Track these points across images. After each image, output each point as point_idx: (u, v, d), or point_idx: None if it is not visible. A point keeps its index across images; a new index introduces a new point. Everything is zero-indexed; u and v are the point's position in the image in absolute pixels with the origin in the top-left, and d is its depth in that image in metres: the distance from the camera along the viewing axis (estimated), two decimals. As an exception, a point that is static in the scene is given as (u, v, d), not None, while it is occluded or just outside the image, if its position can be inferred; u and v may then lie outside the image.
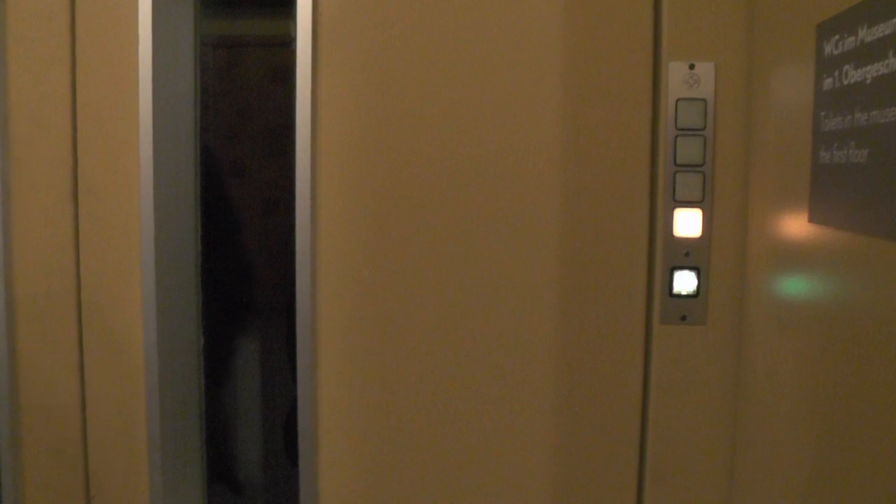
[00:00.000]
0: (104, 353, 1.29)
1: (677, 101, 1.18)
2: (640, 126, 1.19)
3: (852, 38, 0.82)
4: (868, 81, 0.79)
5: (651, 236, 1.20)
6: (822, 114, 0.89)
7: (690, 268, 1.20)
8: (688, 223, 1.19)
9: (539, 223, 1.21)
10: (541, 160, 1.20)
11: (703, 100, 1.17)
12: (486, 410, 1.25)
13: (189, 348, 1.38)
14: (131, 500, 1.30)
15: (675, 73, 1.18)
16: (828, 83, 0.88)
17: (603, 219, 1.20)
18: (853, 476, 0.84)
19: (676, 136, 1.18)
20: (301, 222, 1.24)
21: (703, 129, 1.17)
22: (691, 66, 1.17)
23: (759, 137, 1.14)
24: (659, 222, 1.19)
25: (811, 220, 0.93)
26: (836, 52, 0.86)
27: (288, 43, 1.24)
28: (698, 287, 1.20)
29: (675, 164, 1.18)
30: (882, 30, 0.76)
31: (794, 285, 1.07)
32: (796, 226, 0.99)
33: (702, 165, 1.18)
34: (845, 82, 0.83)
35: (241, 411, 1.46)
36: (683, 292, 1.20)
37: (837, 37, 0.85)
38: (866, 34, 0.79)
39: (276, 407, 1.47)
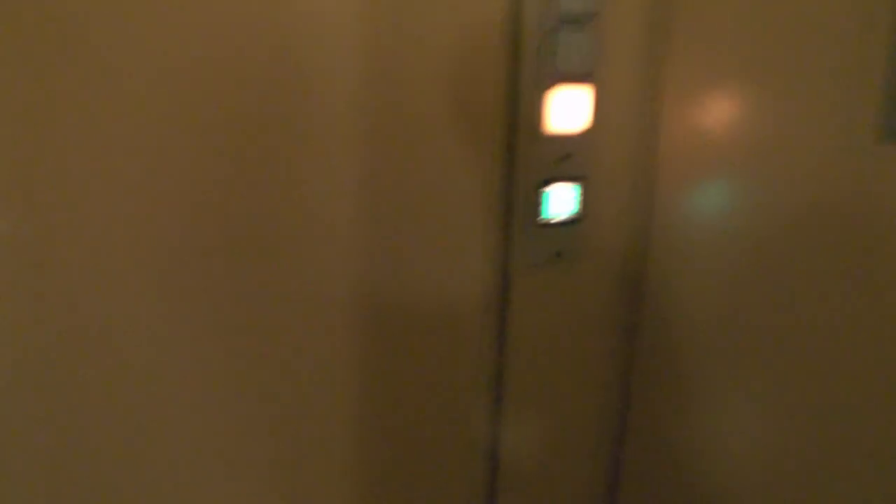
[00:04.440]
0: None
1: None
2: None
3: None
4: None
5: (511, 132, 0.75)
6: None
7: (570, 178, 0.77)
8: (569, 110, 0.74)
9: (345, 106, 0.70)
10: None
11: None
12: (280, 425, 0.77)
13: None
14: None
15: None
16: None
17: (436, 105, 0.72)
18: None
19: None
20: None
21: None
22: None
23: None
24: (524, 109, 0.74)
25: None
26: None
27: None
28: (582, 207, 0.78)
29: (556, 15, 0.71)
30: None
31: (722, 198, 0.69)
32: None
33: (592, 16, 0.72)
34: None
35: None
36: (559, 217, 0.77)
37: None
38: None
39: None
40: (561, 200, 0.77)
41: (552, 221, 0.77)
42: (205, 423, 0.69)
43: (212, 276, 0.65)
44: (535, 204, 0.76)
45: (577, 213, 0.78)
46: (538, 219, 0.77)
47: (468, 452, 0.83)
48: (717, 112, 0.71)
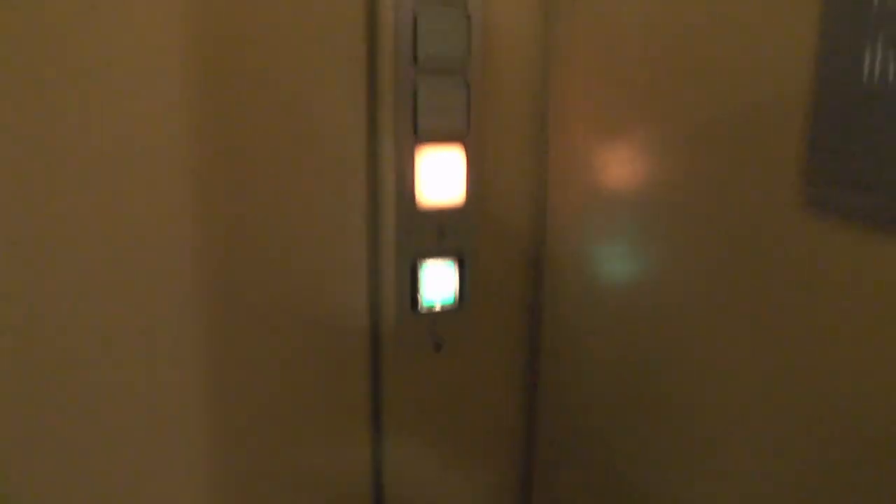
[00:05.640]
0: None
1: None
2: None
3: None
4: None
5: (373, 207, 0.63)
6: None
7: (448, 255, 0.66)
8: (440, 178, 0.64)
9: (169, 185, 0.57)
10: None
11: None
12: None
13: None
14: None
15: None
16: None
17: (283, 177, 0.60)
18: None
19: (417, 11, 0.60)
20: None
21: (466, -7, 0.62)
22: None
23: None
24: (386, 178, 0.62)
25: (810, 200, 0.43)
26: None
27: None
28: (461, 288, 0.66)
29: (415, 61, 0.61)
30: None
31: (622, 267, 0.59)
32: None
33: (462, 66, 0.62)
34: None
35: None
36: (438, 304, 0.66)
37: None
38: None
39: None
40: (438, 283, 0.65)
41: (429, 311, 0.65)
42: None
43: None
44: (408, 290, 0.64)
45: (455, 297, 0.66)
46: (413, 306, 0.65)
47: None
48: (613, 171, 0.62)
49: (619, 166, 0.60)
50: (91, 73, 0.52)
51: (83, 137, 0.53)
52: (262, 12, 0.57)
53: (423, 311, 0.65)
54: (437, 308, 0.65)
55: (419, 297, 0.64)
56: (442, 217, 0.64)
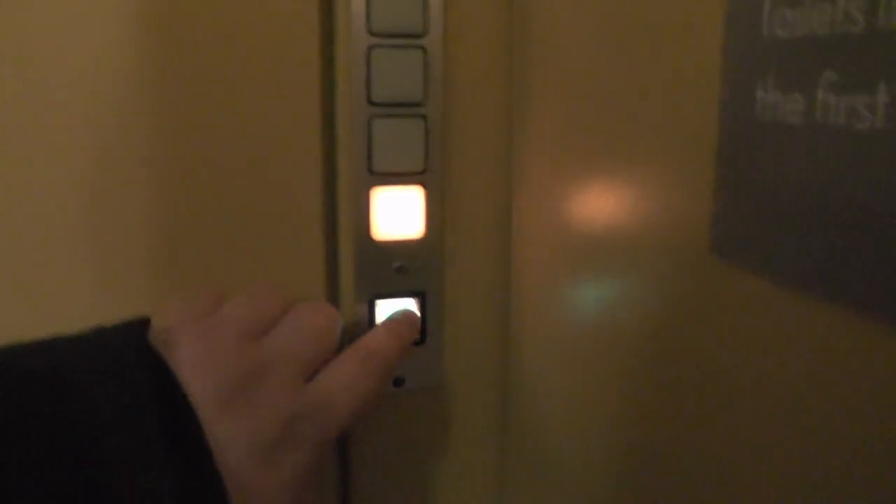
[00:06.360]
0: None
1: (368, -20, 0.61)
2: (300, 28, 0.60)
3: None
4: None
5: (329, 244, 0.64)
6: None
7: (408, 293, 0.65)
8: (397, 214, 0.64)
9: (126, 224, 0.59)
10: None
11: (418, -25, 0.61)
12: None
13: None
14: None
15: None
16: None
17: (235, 214, 0.61)
18: None
19: (371, 49, 0.61)
20: None
21: (422, 34, 0.62)
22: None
23: (539, 37, 0.61)
24: (343, 216, 0.63)
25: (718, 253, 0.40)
26: None
27: None
28: (423, 326, 0.66)
29: (370, 101, 0.61)
30: None
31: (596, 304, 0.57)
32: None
33: (420, 104, 0.62)
34: None
35: None
36: (398, 337, 0.65)
37: None
38: None
39: None
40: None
41: (389, 343, 0.65)
42: None
43: None
44: (366, 322, 0.64)
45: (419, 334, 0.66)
46: (372, 341, 0.65)
47: None
48: (576, 210, 0.60)
49: (587, 202, 0.59)
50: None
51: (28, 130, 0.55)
52: (212, 49, 0.58)
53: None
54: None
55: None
56: (402, 254, 0.64)
